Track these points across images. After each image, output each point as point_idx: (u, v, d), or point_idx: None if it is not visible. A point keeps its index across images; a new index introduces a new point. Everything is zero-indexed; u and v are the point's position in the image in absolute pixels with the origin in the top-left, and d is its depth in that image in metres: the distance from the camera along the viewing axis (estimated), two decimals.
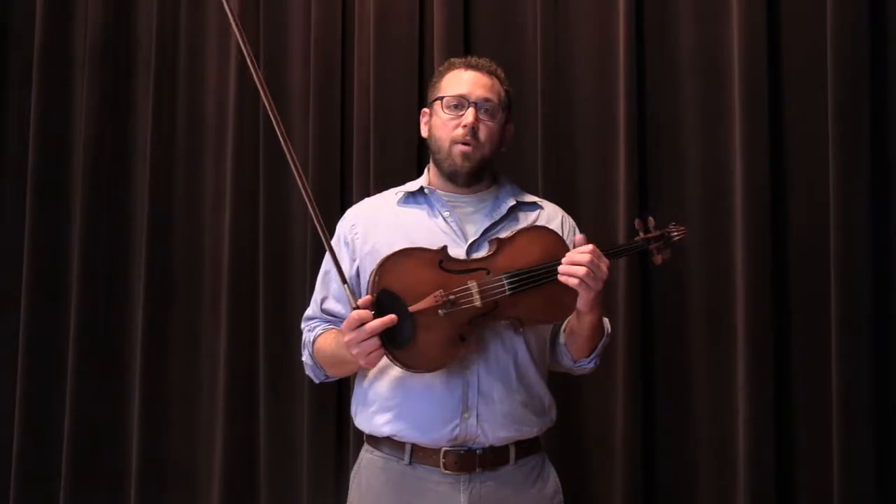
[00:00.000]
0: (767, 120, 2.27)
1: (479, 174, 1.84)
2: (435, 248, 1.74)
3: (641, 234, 1.82)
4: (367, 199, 1.99)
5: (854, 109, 2.18)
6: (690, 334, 2.36)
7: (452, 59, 1.93)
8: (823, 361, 2.19)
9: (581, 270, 1.65)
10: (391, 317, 1.64)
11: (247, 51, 1.81)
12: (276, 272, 2.72)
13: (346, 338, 1.65)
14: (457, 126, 1.80)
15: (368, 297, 1.67)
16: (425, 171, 1.92)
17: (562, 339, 1.85)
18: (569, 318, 1.81)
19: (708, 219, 2.34)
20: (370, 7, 2.62)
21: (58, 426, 2.91)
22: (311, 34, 2.72)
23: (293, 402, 2.69)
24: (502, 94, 1.86)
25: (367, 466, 1.83)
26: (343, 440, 2.61)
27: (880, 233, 2.18)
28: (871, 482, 2.14)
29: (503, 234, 1.79)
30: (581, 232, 1.91)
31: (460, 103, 1.81)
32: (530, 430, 1.79)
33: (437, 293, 1.67)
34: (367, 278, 1.73)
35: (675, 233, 1.84)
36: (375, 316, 1.64)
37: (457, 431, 1.73)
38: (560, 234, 1.85)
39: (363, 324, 1.63)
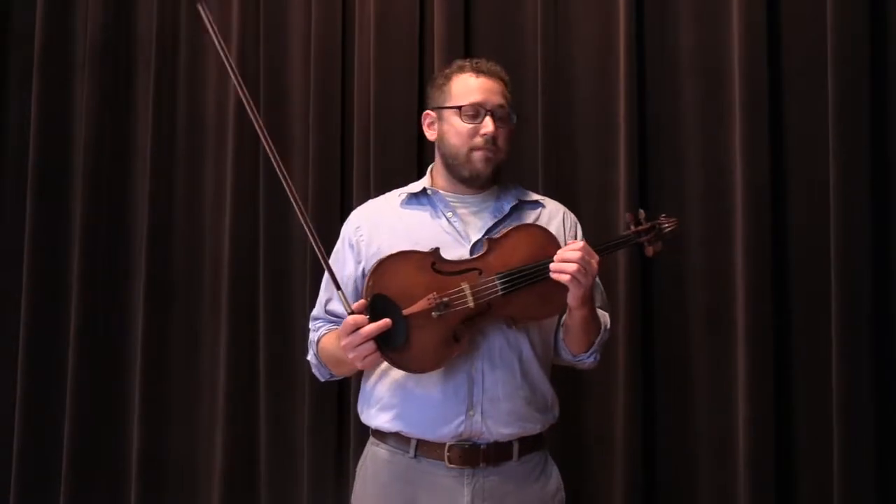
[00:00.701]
0: (767, 120, 2.27)
1: (493, 177, 1.87)
2: (427, 250, 1.75)
3: (632, 228, 1.83)
4: (370, 201, 2.00)
5: (854, 109, 2.18)
6: (691, 333, 2.36)
7: (460, 62, 1.92)
8: (824, 360, 2.19)
9: (571, 267, 1.67)
10: (385, 321, 1.66)
11: (236, 78, 1.90)
12: (276, 272, 2.72)
13: (343, 342, 1.67)
14: (475, 134, 1.82)
15: (363, 301, 1.69)
16: (427, 172, 1.93)
17: (560, 333, 1.87)
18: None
19: (708, 218, 2.35)
20: (370, 7, 2.62)
21: (58, 426, 2.90)
22: (311, 34, 2.72)
23: (293, 401, 2.69)
24: (510, 97, 1.89)
25: (372, 459, 1.85)
26: (343, 440, 2.61)
27: (880, 232, 2.19)
28: (871, 482, 2.14)
29: (495, 234, 1.80)
30: (581, 230, 1.92)
31: (477, 112, 1.83)
32: (534, 427, 1.81)
33: (430, 296, 1.69)
34: None
35: (667, 224, 1.84)
36: (371, 320, 1.66)
37: (461, 428, 1.75)
38: (560, 230, 1.86)
39: (358, 328, 1.65)
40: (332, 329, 1.86)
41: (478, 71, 1.87)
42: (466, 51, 2.54)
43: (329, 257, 1.88)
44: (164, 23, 2.92)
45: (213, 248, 2.85)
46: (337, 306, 1.87)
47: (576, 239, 1.87)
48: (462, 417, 1.74)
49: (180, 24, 2.93)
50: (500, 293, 1.72)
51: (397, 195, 1.93)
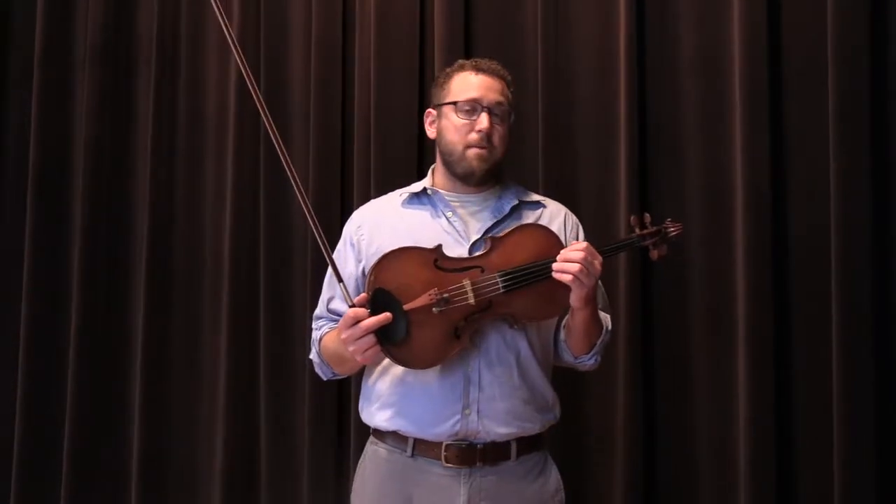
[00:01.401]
0: (768, 120, 2.27)
1: (489, 176, 1.86)
2: (430, 247, 1.76)
3: (637, 231, 1.83)
4: (372, 201, 2.00)
5: (854, 109, 2.18)
6: (691, 333, 2.36)
7: (461, 61, 1.94)
8: (824, 360, 2.19)
9: (574, 267, 1.67)
10: (385, 315, 1.67)
11: (247, 73, 1.83)
12: (276, 272, 2.72)
13: (343, 335, 1.68)
14: (470, 130, 1.82)
15: (364, 295, 1.70)
16: (429, 172, 1.94)
17: (562, 335, 1.87)
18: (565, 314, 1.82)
19: (708, 218, 2.35)
20: (370, 6, 2.62)
21: (58, 426, 2.91)
22: (311, 34, 2.72)
23: (293, 401, 2.69)
24: (510, 96, 1.89)
25: (371, 458, 1.86)
26: (343, 440, 2.61)
27: (880, 232, 2.19)
28: (872, 482, 2.14)
29: (498, 233, 1.80)
30: (582, 231, 1.92)
31: (473, 108, 1.83)
32: (532, 427, 1.80)
33: (431, 291, 1.70)
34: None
35: (672, 229, 1.85)
36: (372, 314, 1.67)
37: (457, 427, 1.75)
38: (562, 231, 1.87)
39: (359, 321, 1.66)
40: (333, 328, 1.87)
41: (477, 69, 1.88)
42: (466, 50, 2.54)
43: (338, 248, 1.92)
44: (165, 22, 2.92)
45: (213, 248, 2.85)
46: (339, 305, 1.87)
47: (577, 240, 1.87)
48: (458, 416, 1.75)
49: (180, 24, 2.93)
50: (502, 291, 1.72)
51: (398, 195, 1.94)
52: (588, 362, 1.87)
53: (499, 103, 1.84)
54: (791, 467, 2.26)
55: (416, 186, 1.92)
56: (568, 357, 1.88)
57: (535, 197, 1.94)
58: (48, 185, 2.99)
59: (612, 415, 2.38)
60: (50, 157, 2.99)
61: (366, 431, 1.90)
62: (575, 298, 1.71)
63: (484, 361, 1.76)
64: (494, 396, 1.76)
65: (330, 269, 1.92)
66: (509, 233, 1.79)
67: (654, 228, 1.83)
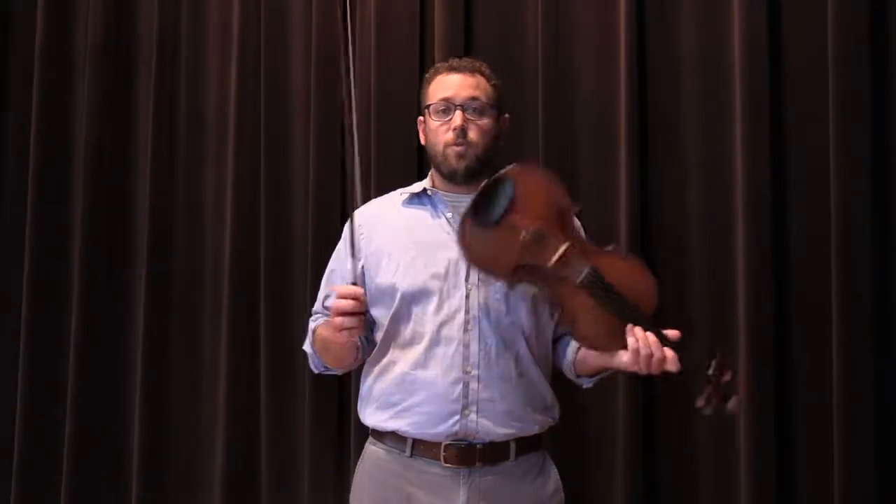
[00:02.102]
0: (768, 119, 2.27)
1: (477, 172, 1.84)
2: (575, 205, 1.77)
3: (709, 370, 1.72)
4: (373, 201, 2.01)
5: (855, 109, 2.18)
6: (691, 333, 2.35)
7: (437, 65, 1.97)
8: (824, 360, 2.18)
9: (645, 347, 1.64)
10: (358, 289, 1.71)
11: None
12: (276, 272, 2.72)
13: (338, 291, 1.70)
14: (447, 130, 1.83)
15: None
16: (429, 174, 1.95)
17: (570, 355, 1.86)
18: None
19: (708, 218, 2.34)
20: (371, 7, 2.62)
21: (59, 426, 2.91)
22: (311, 34, 2.72)
23: (294, 401, 2.69)
24: (489, 89, 1.88)
25: (370, 458, 1.87)
26: (344, 439, 2.61)
27: (881, 232, 2.18)
28: (872, 482, 2.14)
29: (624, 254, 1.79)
30: (582, 231, 1.91)
31: (447, 107, 1.84)
32: (531, 428, 1.81)
33: (536, 223, 1.69)
34: (373, 276, 1.83)
35: (728, 408, 1.72)
36: (483, 190, 1.72)
37: (457, 427, 1.75)
38: None
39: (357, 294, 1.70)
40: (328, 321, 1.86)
41: (451, 68, 1.89)
42: (467, 51, 2.53)
43: (332, 255, 1.95)
44: (165, 23, 2.92)
45: (213, 248, 2.85)
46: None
47: None
48: (457, 416, 1.75)
49: (181, 24, 2.93)
50: (577, 282, 1.68)
51: (399, 194, 1.95)
52: (586, 384, 1.89)
53: (472, 98, 1.84)
54: (791, 467, 2.26)
55: (417, 187, 1.92)
56: (568, 372, 1.89)
57: None
58: (48, 185, 2.99)
59: (612, 415, 2.37)
60: (50, 157, 3.00)
61: (366, 431, 1.90)
62: (619, 363, 1.69)
63: (483, 361, 1.76)
64: (494, 397, 1.76)
65: (328, 268, 1.95)
66: (629, 256, 1.79)
67: (720, 382, 1.71)
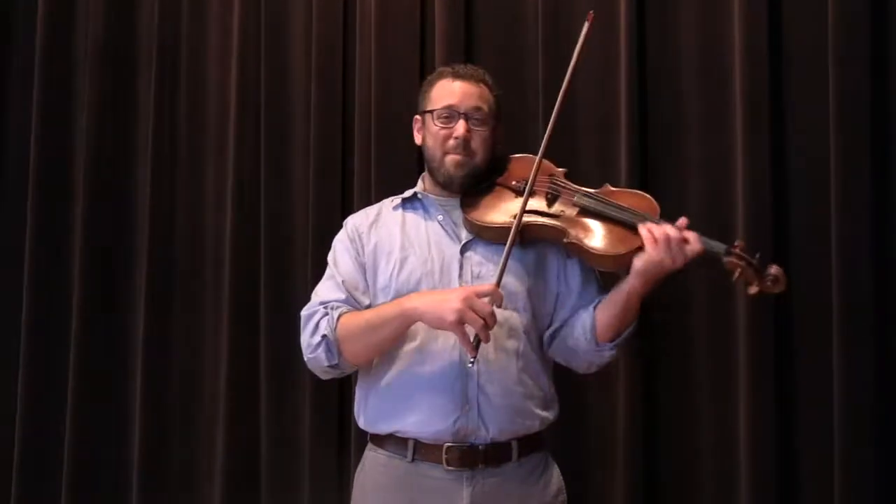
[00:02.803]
0: (769, 119, 2.27)
1: (473, 181, 1.87)
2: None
3: (738, 250, 1.73)
4: (362, 210, 2.02)
5: (855, 109, 2.18)
6: (692, 334, 2.36)
7: (441, 69, 1.97)
8: (825, 360, 2.18)
9: (663, 233, 1.68)
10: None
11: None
12: (277, 272, 2.72)
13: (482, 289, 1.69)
14: (448, 137, 1.84)
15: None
16: (420, 179, 1.96)
17: (588, 321, 1.81)
18: (598, 297, 1.85)
19: (709, 218, 2.34)
20: (371, 6, 2.62)
21: (59, 426, 2.90)
22: (312, 34, 2.72)
23: (294, 401, 2.69)
24: (491, 100, 1.89)
25: (370, 465, 1.85)
26: (345, 440, 2.61)
27: (881, 232, 2.19)
28: (873, 482, 2.14)
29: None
30: None
31: (450, 115, 1.85)
32: (532, 424, 1.80)
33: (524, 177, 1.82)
34: (371, 276, 1.85)
35: (770, 277, 1.74)
36: None
37: (458, 425, 1.74)
38: None
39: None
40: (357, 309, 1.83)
41: (456, 75, 1.89)
42: (467, 50, 2.54)
43: (331, 254, 1.93)
44: (166, 22, 2.92)
45: (214, 249, 2.85)
46: (364, 299, 1.85)
47: None
48: (458, 414, 1.74)
49: (181, 24, 2.93)
50: (573, 202, 1.79)
51: (390, 201, 1.96)
52: (606, 353, 1.82)
53: (476, 108, 1.85)
54: (792, 468, 2.26)
55: (407, 193, 1.94)
56: (588, 345, 1.81)
57: None
58: (48, 185, 2.99)
59: (613, 416, 2.37)
60: (50, 156, 2.99)
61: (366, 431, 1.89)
62: (644, 262, 1.69)
63: (483, 357, 1.75)
64: (495, 392, 1.76)
65: (330, 257, 1.94)
66: (624, 189, 1.91)
67: (749, 257, 1.73)
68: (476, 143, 1.84)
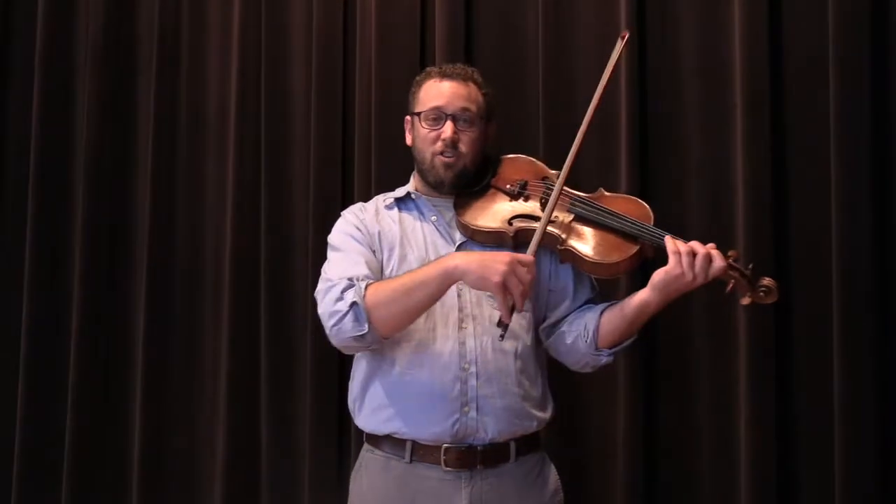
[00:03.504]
0: (769, 119, 2.27)
1: (463, 181, 1.86)
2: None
3: (731, 261, 1.73)
4: (359, 204, 2.00)
5: (856, 109, 2.18)
6: (692, 334, 2.36)
7: (429, 69, 1.97)
8: (825, 360, 2.19)
9: (685, 248, 1.67)
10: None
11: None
12: (277, 272, 2.71)
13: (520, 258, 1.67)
14: (436, 139, 1.84)
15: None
16: (411, 177, 1.96)
17: (591, 325, 1.80)
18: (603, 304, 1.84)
19: (709, 218, 2.34)
20: (371, 6, 2.62)
21: (59, 426, 2.90)
22: (312, 33, 2.72)
23: (294, 401, 2.69)
24: (480, 99, 1.89)
25: (367, 466, 1.84)
26: (345, 440, 2.61)
27: (882, 232, 2.19)
28: (873, 483, 2.14)
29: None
30: None
31: (438, 116, 1.84)
32: (530, 425, 1.81)
33: (519, 179, 1.86)
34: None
35: (763, 288, 1.74)
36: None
37: (457, 426, 1.74)
38: None
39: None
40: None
41: (443, 75, 1.89)
42: (467, 50, 2.54)
43: (335, 238, 1.88)
44: (166, 22, 2.92)
45: (214, 249, 2.85)
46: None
47: None
48: (457, 415, 1.74)
49: (181, 24, 2.92)
50: (567, 209, 1.79)
51: (382, 199, 1.95)
52: (602, 359, 1.82)
53: (464, 109, 1.84)
54: (792, 468, 2.26)
55: (400, 192, 1.94)
56: (587, 348, 1.80)
57: None
58: (48, 185, 2.98)
59: (612, 415, 2.37)
60: (50, 156, 2.99)
61: None
62: (665, 274, 1.68)
63: (481, 358, 1.76)
64: (493, 393, 1.76)
65: (335, 242, 1.90)
66: (617, 195, 1.91)
67: (742, 268, 1.73)
68: (464, 145, 1.84)
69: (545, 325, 1.87)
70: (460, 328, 1.77)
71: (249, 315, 2.74)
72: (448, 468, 1.74)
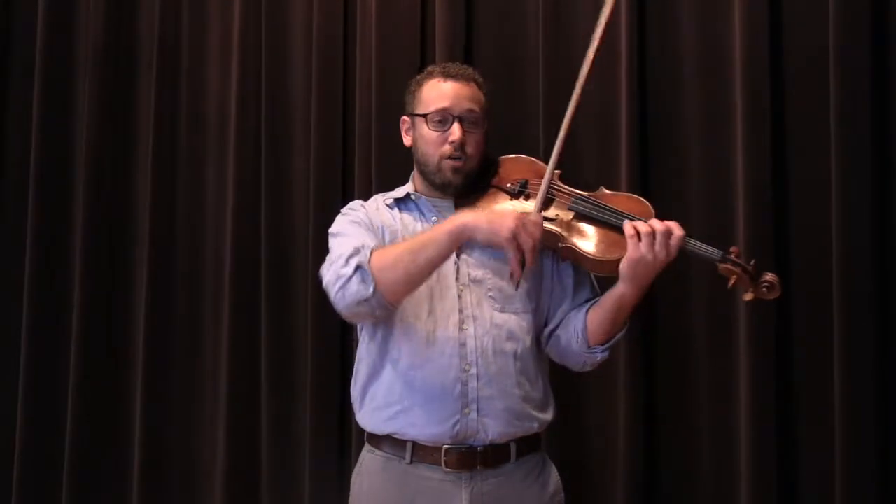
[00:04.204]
0: (769, 119, 2.27)
1: (469, 183, 1.85)
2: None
3: (730, 255, 1.73)
4: (358, 201, 1.97)
5: (856, 108, 2.18)
6: (692, 334, 2.36)
7: (430, 68, 1.93)
8: (825, 360, 2.19)
9: (645, 227, 1.66)
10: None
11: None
12: (277, 272, 2.72)
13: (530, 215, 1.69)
14: (444, 142, 1.81)
15: None
16: (410, 178, 1.93)
17: (581, 324, 1.80)
18: (594, 298, 1.83)
19: (709, 218, 2.35)
20: (372, 5, 2.62)
21: (60, 426, 2.91)
22: (312, 33, 2.72)
23: (294, 401, 2.69)
24: (482, 99, 1.87)
25: (368, 466, 1.84)
26: (345, 440, 2.61)
27: (882, 232, 2.19)
28: (873, 483, 2.14)
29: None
30: None
31: (444, 118, 1.81)
32: (531, 426, 1.80)
33: (519, 178, 1.85)
34: None
35: (766, 284, 1.73)
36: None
37: (458, 427, 1.73)
38: None
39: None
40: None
41: (446, 75, 1.85)
42: (468, 50, 2.54)
43: (340, 226, 1.85)
44: (166, 23, 2.92)
45: (214, 249, 2.85)
46: None
47: None
48: (457, 416, 1.73)
49: (182, 24, 2.93)
50: (568, 207, 1.78)
51: (382, 199, 1.93)
52: (597, 357, 1.81)
53: (470, 110, 1.82)
54: (792, 467, 2.26)
55: (400, 192, 1.92)
56: (580, 348, 1.80)
57: None
58: (48, 185, 2.99)
59: (612, 415, 2.38)
60: (51, 157, 2.99)
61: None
62: (626, 261, 1.67)
63: (482, 359, 1.75)
64: (494, 395, 1.75)
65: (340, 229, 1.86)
66: (617, 193, 1.89)
67: (744, 263, 1.72)
68: (470, 146, 1.81)
69: (546, 330, 1.86)
70: (461, 329, 1.77)
71: (249, 315, 2.74)
72: (448, 469, 1.74)
